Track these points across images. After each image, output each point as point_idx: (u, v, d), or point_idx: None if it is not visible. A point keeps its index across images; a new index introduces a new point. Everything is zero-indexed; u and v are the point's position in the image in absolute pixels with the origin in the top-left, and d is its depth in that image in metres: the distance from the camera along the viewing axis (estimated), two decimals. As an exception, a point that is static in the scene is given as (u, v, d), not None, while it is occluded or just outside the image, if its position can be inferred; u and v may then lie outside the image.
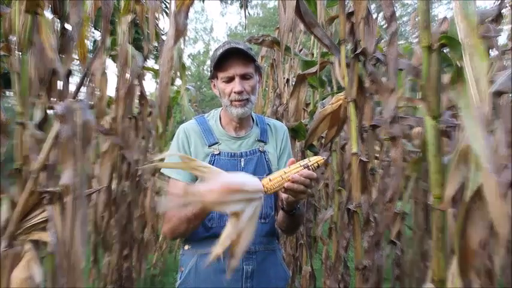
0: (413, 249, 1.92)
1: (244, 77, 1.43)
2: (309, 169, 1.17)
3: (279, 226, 1.47)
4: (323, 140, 2.23)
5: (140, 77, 2.86)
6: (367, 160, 1.69)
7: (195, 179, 1.44)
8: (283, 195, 1.26)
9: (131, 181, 2.85)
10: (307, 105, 4.27)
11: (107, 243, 2.68)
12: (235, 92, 1.42)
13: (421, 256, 1.89)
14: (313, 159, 1.19)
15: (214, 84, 1.51)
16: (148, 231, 3.54)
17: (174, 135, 1.58)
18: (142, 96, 3.02)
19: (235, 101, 1.44)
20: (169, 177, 1.49)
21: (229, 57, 1.41)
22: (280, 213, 1.40)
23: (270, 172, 1.45)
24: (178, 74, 4.48)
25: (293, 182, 1.15)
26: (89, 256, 2.76)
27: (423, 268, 1.89)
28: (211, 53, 1.66)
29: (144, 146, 3.29)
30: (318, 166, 1.19)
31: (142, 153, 3.29)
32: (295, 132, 2.73)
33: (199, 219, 1.31)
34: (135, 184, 2.93)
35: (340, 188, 2.76)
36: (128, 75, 2.74)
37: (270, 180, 1.14)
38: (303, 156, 3.95)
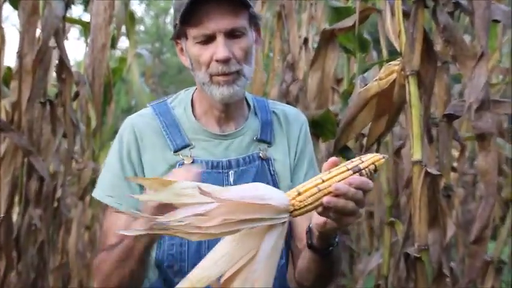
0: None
1: (232, 35, 1.43)
2: (361, 175, 1.17)
3: (299, 280, 1.48)
4: (364, 140, 2.23)
5: (59, 35, 2.85)
6: (437, 173, 1.69)
7: None
8: (317, 221, 1.26)
9: (45, 208, 2.84)
10: (339, 81, 4.28)
11: (3, 312, 2.67)
12: (217, 61, 1.42)
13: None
14: (368, 159, 1.20)
15: (182, 48, 1.52)
16: (74, 291, 3.53)
17: (115, 131, 1.57)
18: (64, 66, 3.02)
19: (219, 74, 1.44)
20: (105, 205, 1.49)
21: (207, 2, 1.41)
22: (307, 255, 1.40)
23: None
24: (123, 29, 4.48)
25: (337, 195, 1.15)
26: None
27: None
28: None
29: (66, 149, 3.28)
30: (376, 170, 1.20)
31: (63, 161, 3.28)
32: (319, 127, 2.73)
33: (143, 257, 1.31)
34: (51, 213, 2.92)
35: (393, 219, 2.76)
36: (38, 32, 2.73)
37: (298, 193, 1.14)
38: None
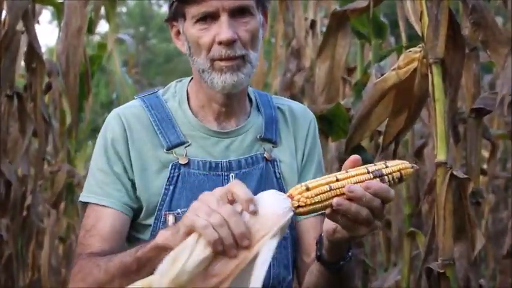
0: None
1: (237, 15, 1.43)
2: (382, 181, 1.18)
3: None
4: (381, 139, 2.23)
5: (28, 18, 2.85)
6: (465, 177, 1.69)
7: (135, 205, 1.47)
8: (327, 227, 1.26)
9: (12, 217, 2.84)
10: (351, 71, 4.28)
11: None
12: (220, 43, 1.42)
13: None
14: (394, 165, 1.21)
15: (179, 31, 1.52)
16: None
17: (94, 129, 1.57)
18: (33, 54, 3.02)
19: (222, 59, 1.43)
20: (85, 204, 1.49)
21: None
22: (316, 268, 1.40)
23: None
24: (102, 11, 4.47)
25: (350, 198, 1.16)
26: None
27: None
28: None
29: (37, 149, 3.27)
30: (401, 180, 1.21)
31: (33, 163, 3.27)
32: (328, 123, 2.73)
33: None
34: (19, 223, 2.92)
35: (413, 229, 2.75)
36: (3, 14, 2.72)
37: (307, 188, 1.15)
38: (341, 169, 3.91)
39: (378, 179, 1.17)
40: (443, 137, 1.69)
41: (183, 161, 1.48)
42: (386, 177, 1.18)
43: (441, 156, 1.69)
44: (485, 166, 3.89)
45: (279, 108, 1.62)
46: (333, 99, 2.69)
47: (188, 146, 1.51)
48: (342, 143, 3.32)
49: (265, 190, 1.49)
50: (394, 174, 1.19)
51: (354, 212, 1.15)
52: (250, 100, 1.61)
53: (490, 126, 3.75)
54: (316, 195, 1.14)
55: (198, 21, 1.43)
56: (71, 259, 3.81)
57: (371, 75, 2.61)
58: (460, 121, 2.06)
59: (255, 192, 1.48)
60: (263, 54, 4.30)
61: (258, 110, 1.60)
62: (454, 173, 1.69)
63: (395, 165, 1.20)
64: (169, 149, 1.50)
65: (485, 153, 4.43)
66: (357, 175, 1.17)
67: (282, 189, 1.53)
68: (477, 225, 1.88)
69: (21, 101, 2.97)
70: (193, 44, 1.46)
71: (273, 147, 1.56)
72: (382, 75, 1.99)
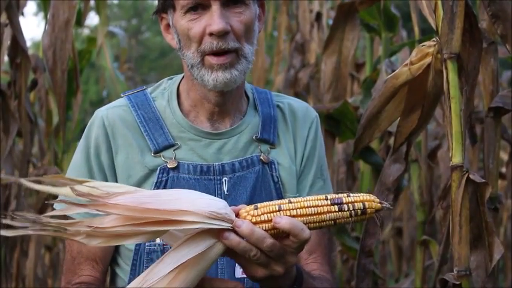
0: None
1: (230, 4, 1.43)
2: (340, 210, 1.21)
3: None
4: (392, 140, 2.23)
5: (12, 10, 2.85)
6: (482, 181, 1.68)
7: None
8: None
9: (-5, 224, 2.83)
10: (359, 67, 4.28)
11: None
12: (211, 34, 1.42)
13: None
14: (357, 196, 1.24)
15: (169, 24, 1.52)
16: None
17: (83, 129, 1.58)
18: (18, 48, 3.02)
19: (213, 54, 1.43)
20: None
21: None
22: None
23: None
24: (92, 3, 4.47)
25: (276, 226, 1.20)
26: None
27: None
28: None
29: (21, 151, 3.27)
30: (365, 213, 1.23)
31: (17, 166, 3.27)
32: (335, 123, 2.73)
33: None
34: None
35: (426, 237, 2.75)
36: (-13, 6, 2.72)
37: (255, 207, 1.23)
38: (350, 172, 3.92)
39: (336, 206, 1.21)
40: (458, 138, 1.68)
41: (171, 165, 1.49)
42: (346, 205, 1.22)
43: (456, 159, 1.69)
44: (503, 169, 3.89)
45: (278, 106, 1.62)
46: (340, 97, 2.70)
47: (177, 148, 1.51)
48: (349, 144, 3.32)
49: (262, 195, 1.50)
50: (356, 204, 1.23)
51: (241, 250, 1.19)
52: (247, 97, 1.61)
53: (509, 127, 3.75)
54: (263, 213, 1.21)
55: (188, 11, 1.43)
56: (58, 269, 3.81)
57: (381, 72, 2.61)
58: (477, 121, 2.06)
59: (250, 198, 1.48)
60: (265, 49, 4.30)
61: (255, 108, 1.60)
62: (471, 177, 1.68)
63: (358, 196, 1.24)
64: (156, 152, 1.50)
65: (504, 156, 4.43)
66: (312, 200, 1.23)
67: (279, 194, 1.53)
68: (495, 233, 1.88)
69: (4, 99, 2.97)
70: (183, 37, 1.46)
71: (271, 148, 1.57)
72: (393, 71, 1.99)
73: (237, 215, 1.23)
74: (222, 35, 1.41)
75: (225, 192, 1.49)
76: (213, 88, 1.46)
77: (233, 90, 1.50)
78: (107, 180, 1.49)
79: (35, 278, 3.51)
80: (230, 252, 1.22)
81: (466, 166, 1.69)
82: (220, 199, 1.24)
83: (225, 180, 1.50)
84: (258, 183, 1.51)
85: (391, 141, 2.24)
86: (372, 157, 2.79)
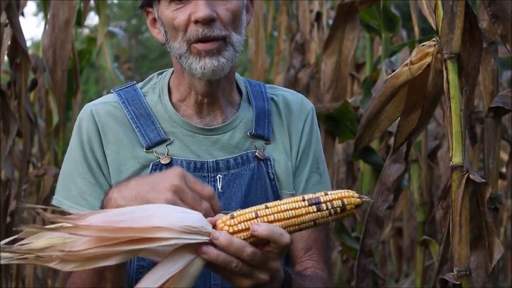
0: None
1: None
2: (319, 210, 1.20)
3: None
4: (392, 140, 2.23)
5: (12, 10, 2.85)
6: (482, 181, 1.68)
7: None
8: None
9: (-5, 224, 2.83)
10: (359, 67, 4.28)
11: None
12: (197, 22, 1.40)
13: None
14: (334, 193, 1.22)
15: (155, 18, 1.51)
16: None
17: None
18: (18, 48, 3.02)
19: (199, 41, 1.41)
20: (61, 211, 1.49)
21: None
22: None
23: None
24: (92, 2, 4.47)
25: (254, 234, 1.19)
26: None
27: None
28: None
29: (21, 151, 3.27)
30: (344, 210, 1.22)
31: (17, 166, 3.27)
32: (335, 123, 2.73)
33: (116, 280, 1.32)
34: (3, 231, 2.92)
35: (426, 237, 2.75)
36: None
37: (231, 217, 1.21)
38: (350, 172, 3.93)
39: (314, 206, 1.20)
40: (458, 138, 1.68)
41: (164, 161, 1.47)
42: (324, 204, 1.20)
43: (457, 159, 1.69)
44: (503, 169, 3.89)
45: (272, 99, 1.61)
46: (340, 97, 2.70)
47: (170, 144, 1.50)
48: (349, 144, 3.32)
49: (257, 193, 1.49)
50: (334, 202, 1.21)
51: (221, 262, 1.18)
52: (240, 91, 1.60)
53: (509, 127, 3.75)
54: (240, 222, 1.19)
55: (172, 0, 1.41)
56: (58, 270, 3.80)
57: (381, 72, 2.61)
58: (477, 121, 2.06)
59: (246, 196, 1.47)
60: (265, 49, 4.29)
61: (249, 101, 1.58)
62: (471, 177, 1.68)
63: (336, 193, 1.22)
64: (148, 148, 1.49)
65: (504, 156, 4.43)
66: (289, 203, 1.21)
67: (276, 191, 1.52)
68: (495, 233, 1.88)
69: (4, 99, 2.96)
70: (169, 27, 1.45)
71: (266, 144, 1.55)
72: (393, 71, 1.98)
73: (214, 226, 1.21)
74: (207, 22, 1.39)
75: (219, 190, 1.48)
76: (201, 76, 1.44)
77: (221, 80, 1.48)
78: (104, 175, 1.49)
79: (35, 278, 3.50)
80: (212, 266, 1.21)
81: (466, 166, 1.69)
82: (195, 211, 1.21)
83: (219, 177, 1.49)
84: (253, 180, 1.50)
85: (391, 141, 2.24)
86: (372, 157, 2.79)
